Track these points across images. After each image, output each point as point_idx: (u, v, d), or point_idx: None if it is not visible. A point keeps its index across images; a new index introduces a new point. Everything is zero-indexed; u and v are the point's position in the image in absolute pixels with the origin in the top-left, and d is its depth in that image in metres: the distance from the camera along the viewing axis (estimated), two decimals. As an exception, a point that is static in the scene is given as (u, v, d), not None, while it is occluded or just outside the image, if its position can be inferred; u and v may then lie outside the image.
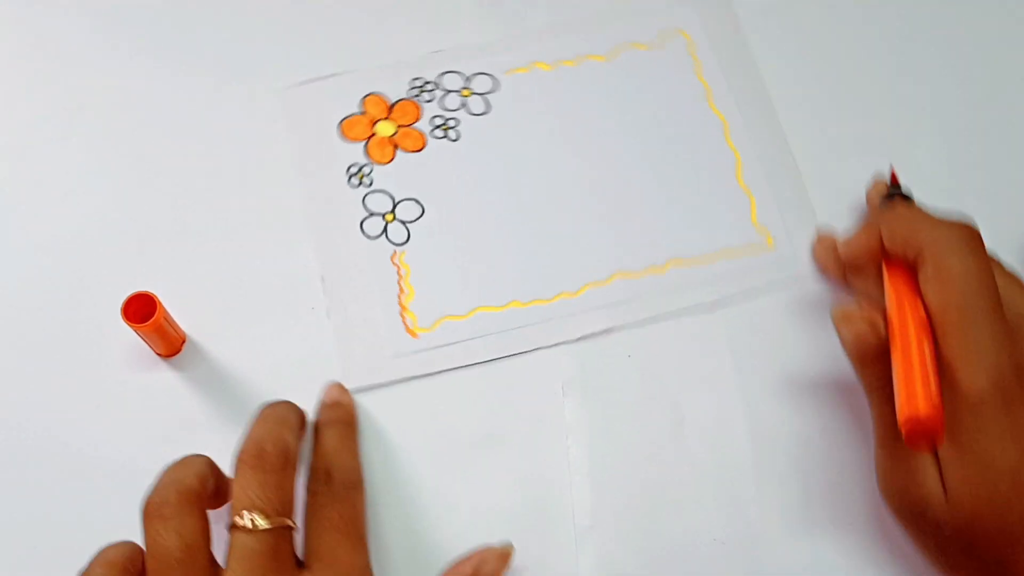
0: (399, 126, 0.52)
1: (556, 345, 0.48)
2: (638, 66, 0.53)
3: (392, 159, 0.51)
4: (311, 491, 0.41)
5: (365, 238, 0.50)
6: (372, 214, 0.50)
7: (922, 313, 0.39)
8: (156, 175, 0.50)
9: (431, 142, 0.52)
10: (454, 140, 0.51)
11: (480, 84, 0.53)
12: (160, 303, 0.43)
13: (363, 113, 0.52)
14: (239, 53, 0.53)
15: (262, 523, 0.36)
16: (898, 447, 0.39)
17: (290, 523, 0.37)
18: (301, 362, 0.47)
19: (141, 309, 0.43)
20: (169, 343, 0.46)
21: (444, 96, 0.52)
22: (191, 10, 0.54)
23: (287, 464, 0.39)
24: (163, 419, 0.46)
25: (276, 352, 0.47)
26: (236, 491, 0.37)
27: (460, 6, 0.54)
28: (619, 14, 0.54)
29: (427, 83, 0.53)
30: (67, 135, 0.51)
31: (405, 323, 0.48)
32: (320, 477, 0.41)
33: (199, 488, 0.38)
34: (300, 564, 0.38)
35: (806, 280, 0.48)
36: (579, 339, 0.48)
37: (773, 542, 0.45)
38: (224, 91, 0.52)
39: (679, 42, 0.53)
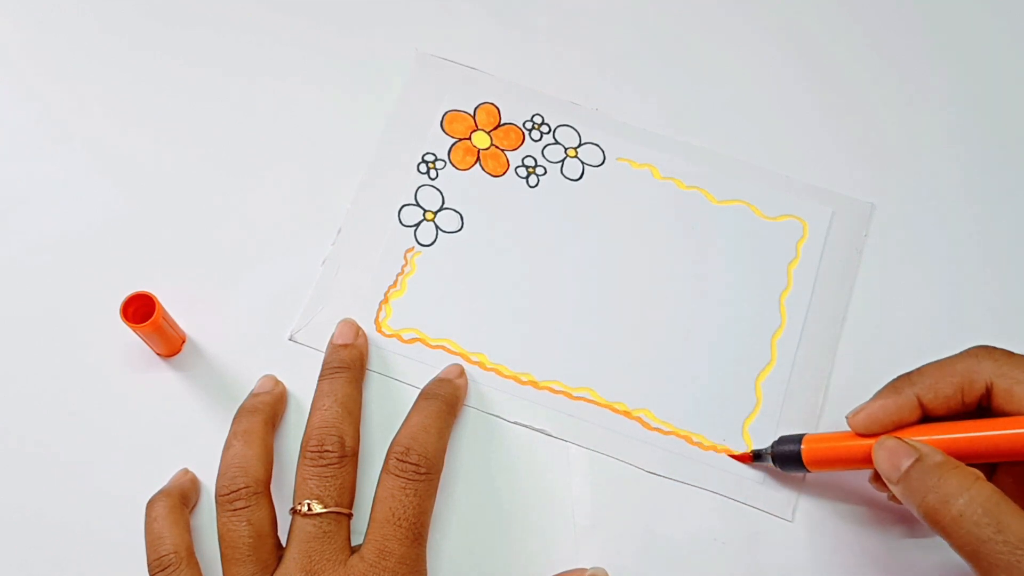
0: (493, 145, 0.51)
1: (492, 415, 0.47)
2: (741, 226, 0.50)
3: (468, 169, 0.51)
4: (386, 464, 0.42)
5: (397, 222, 0.50)
6: (417, 206, 0.50)
7: None
8: (158, 175, 0.50)
9: (511, 175, 0.51)
10: (532, 186, 0.51)
11: (588, 153, 0.51)
12: (159, 303, 0.43)
13: (471, 115, 0.52)
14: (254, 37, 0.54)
15: (317, 508, 0.40)
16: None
17: (344, 511, 0.41)
18: (300, 362, 0.47)
19: (140, 309, 0.43)
20: (169, 343, 0.46)
21: (551, 144, 0.52)
22: (196, 8, 0.54)
23: (344, 457, 0.42)
24: (163, 419, 0.46)
25: (275, 351, 0.47)
26: (298, 481, 0.41)
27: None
28: (761, 175, 0.51)
29: (544, 123, 0.52)
30: (67, 135, 0.51)
31: (378, 314, 0.48)
32: (396, 452, 0.42)
33: (266, 477, 0.42)
34: (358, 547, 0.41)
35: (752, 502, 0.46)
36: (514, 423, 0.46)
37: (773, 542, 0.45)
38: (225, 84, 0.52)
39: (793, 228, 0.50)
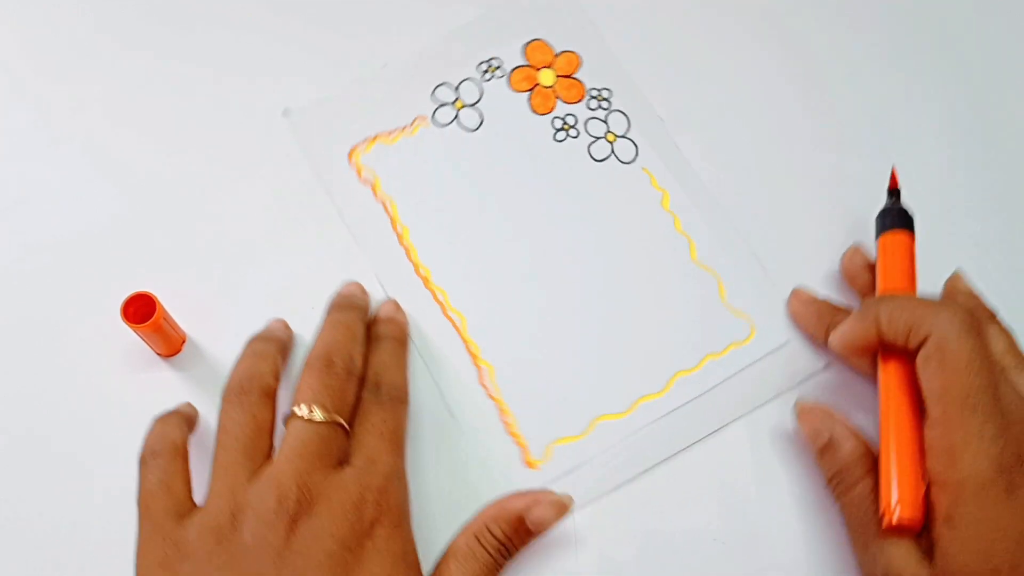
0: (552, 88, 0.53)
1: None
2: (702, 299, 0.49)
3: (518, 92, 0.53)
4: (360, 398, 0.43)
5: (429, 88, 0.52)
6: (453, 89, 0.53)
7: (915, 404, 0.41)
8: (158, 175, 0.51)
9: (547, 121, 0.52)
10: (559, 141, 0.52)
11: (623, 147, 0.52)
12: (160, 303, 0.43)
13: (554, 54, 0.53)
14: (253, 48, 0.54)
15: (319, 415, 0.40)
16: (871, 538, 0.40)
17: (343, 423, 0.41)
18: (301, 361, 0.45)
19: (141, 309, 0.43)
20: (169, 343, 0.46)
21: (597, 120, 0.52)
22: (194, 10, 0.54)
23: (351, 375, 0.42)
24: None
25: None
26: (300, 388, 0.41)
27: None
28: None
29: (609, 100, 0.53)
30: (68, 135, 0.51)
31: (357, 146, 0.51)
32: (370, 387, 0.43)
33: (275, 385, 0.42)
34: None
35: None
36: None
37: (773, 542, 0.45)
38: (225, 85, 0.53)
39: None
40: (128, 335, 0.45)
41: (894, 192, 0.47)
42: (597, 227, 0.50)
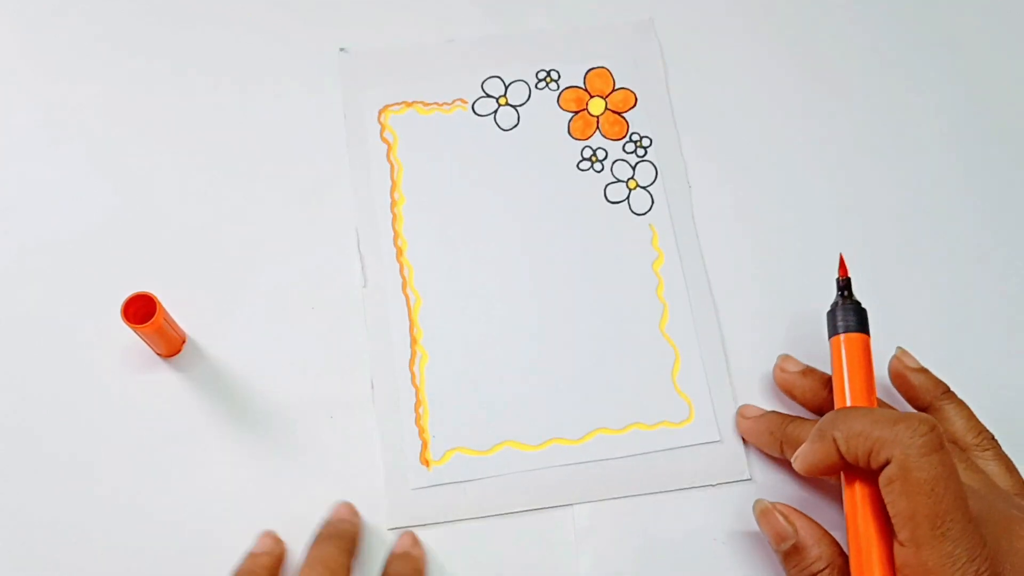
0: (596, 117, 0.53)
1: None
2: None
3: (565, 110, 0.53)
4: None
5: (479, 81, 0.53)
6: (503, 83, 0.53)
7: (883, 521, 0.39)
8: (157, 175, 0.51)
9: (578, 150, 0.52)
10: (582, 170, 0.51)
11: (639, 198, 0.51)
12: (160, 304, 0.44)
13: (612, 87, 0.53)
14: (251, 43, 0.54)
15: None
16: None
17: None
18: (300, 362, 0.47)
19: (141, 310, 0.43)
20: (169, 343, 0.46)
21: (624, 163, 0.52)
22: (192, 9, 0.55)
23: None
24: (163, 419, 0.46)
25: (275, 352, 0.47)
26: None
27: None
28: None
29: (645, 148, 0.52)
30: (68, 135, 0.51)
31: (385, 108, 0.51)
32: None
33: None
34: None
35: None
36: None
37: None
38: (226, 85, 0.53)
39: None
40: (128, 335, 0.45)
41: (844, 283, 0.45)
42: (583, 264, 0.50)
